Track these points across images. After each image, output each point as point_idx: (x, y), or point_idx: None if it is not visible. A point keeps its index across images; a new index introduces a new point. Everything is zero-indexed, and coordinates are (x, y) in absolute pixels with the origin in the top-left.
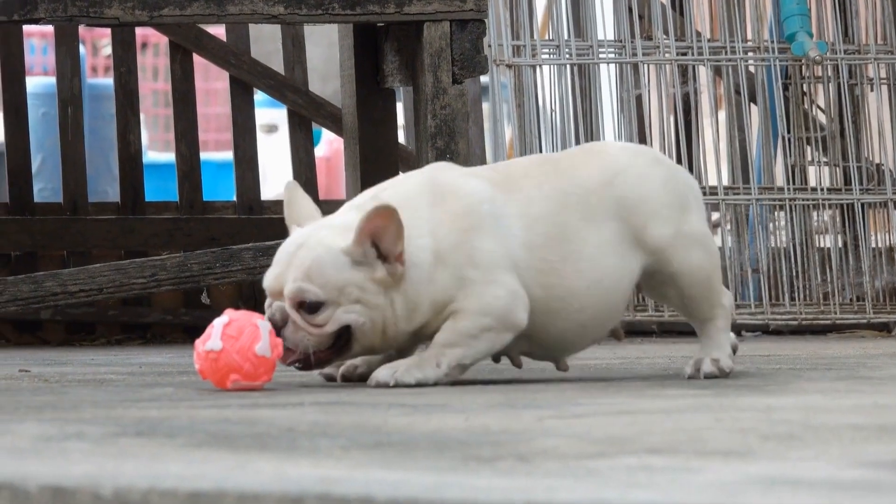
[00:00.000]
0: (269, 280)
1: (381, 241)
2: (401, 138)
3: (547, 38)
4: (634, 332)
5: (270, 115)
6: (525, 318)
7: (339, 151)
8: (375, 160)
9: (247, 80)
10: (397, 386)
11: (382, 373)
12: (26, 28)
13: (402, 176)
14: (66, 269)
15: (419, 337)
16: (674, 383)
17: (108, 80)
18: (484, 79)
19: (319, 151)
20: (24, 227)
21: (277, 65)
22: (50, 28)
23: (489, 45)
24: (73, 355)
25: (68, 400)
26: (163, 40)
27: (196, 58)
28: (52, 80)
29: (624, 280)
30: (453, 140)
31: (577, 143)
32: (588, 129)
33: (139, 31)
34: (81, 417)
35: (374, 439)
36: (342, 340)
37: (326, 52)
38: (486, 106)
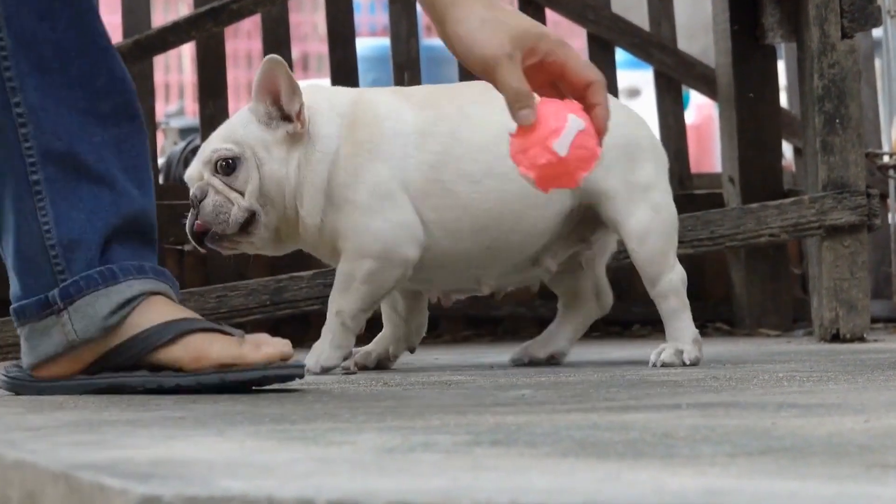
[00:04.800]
0: (188, 171)
1: (278, 100)
2: (783, 101)
3: None
4: None
5: (632, 77)
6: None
7: (709, 118)
8: (755, 126)
9: (607, 38)
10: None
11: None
12: None
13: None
14: None
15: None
16: None
17: None
18: (877, 32)
19: (687, 119)
20: None
21: (638, 20)
22: None
23: None
24: (416, 354)
25: (412, 405)
26: None
27: (548, 13)
28: (382, 41)
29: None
30: (843, 102)
31: None
32: None
33: None
34: (429, 425)
35: (763, 445)
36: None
37: (690, 6)
38: (878, 63)
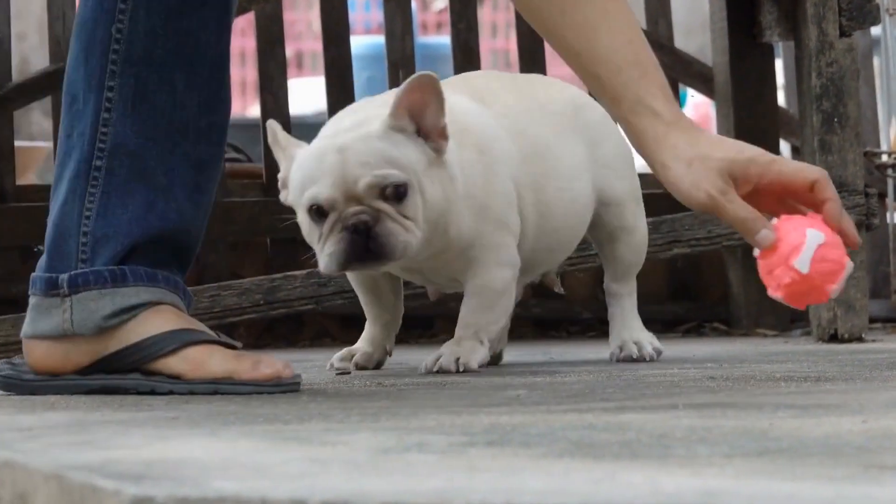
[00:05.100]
0: (326, 190)
1: (422, 116)
2: (780, 100)
3: None
4: None
5: None
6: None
7: (706, 117)
8: (752, 126)
9: None
10: (465, 371)
11: (443, 360)
12: None
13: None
14: None
15: (442, 263)
16: None
17: (441, 39)
18: (875, 30)
19: None
20: None
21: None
22: None
23: None
24: (410, 354)
25: (407, 405)
26: None
27: None
28: (377, 39)
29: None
30: (841, 101)
31: None
32: None
33: None
34: (423, 425)
35: (760, 446)
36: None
37: (688, 4)
38: (876, 62)
